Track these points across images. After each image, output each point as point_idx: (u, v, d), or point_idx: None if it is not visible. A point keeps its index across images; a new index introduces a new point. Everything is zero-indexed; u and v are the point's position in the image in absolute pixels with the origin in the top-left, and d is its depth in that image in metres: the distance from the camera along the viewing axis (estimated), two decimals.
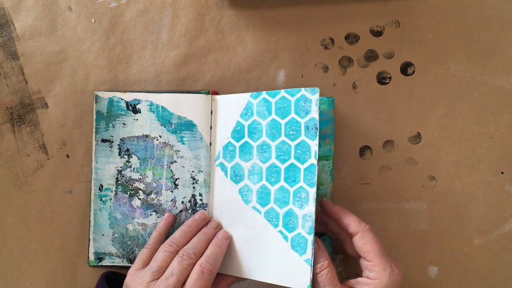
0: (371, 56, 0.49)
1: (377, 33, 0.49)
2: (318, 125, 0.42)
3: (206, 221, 0.46)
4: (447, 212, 0.49)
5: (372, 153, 0.49)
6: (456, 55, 0.49)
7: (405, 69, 0.49)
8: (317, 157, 0.43)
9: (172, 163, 0.47)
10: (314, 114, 0.42)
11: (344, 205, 0.48)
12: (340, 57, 0.49)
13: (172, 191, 0.47)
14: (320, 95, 0.47)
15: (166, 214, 0.47)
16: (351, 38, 0.49)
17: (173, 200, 0.47)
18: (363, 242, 0.40)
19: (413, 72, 0.49)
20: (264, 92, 0.45)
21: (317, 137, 0.42)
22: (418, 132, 0.49)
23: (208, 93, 0.48)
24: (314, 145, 0.42)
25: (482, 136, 0.49)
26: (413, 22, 0.49)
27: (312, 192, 0.42)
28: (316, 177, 0.42)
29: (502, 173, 0.48)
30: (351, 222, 0.42)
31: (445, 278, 0.49)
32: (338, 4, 0.49)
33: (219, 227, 0.46)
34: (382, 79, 0.49)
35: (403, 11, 0.49)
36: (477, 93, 0.49)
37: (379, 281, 0.39)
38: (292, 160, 0.43)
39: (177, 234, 0.44)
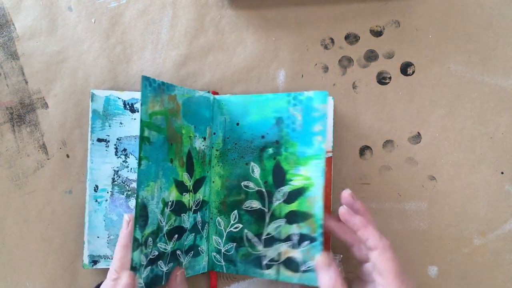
0: (371, 56, 0.49)
1: (377, 33, 0.49)
2: None
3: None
4: (447, 212, 0.49)
5: (372, 153, 0.49)
6: (456, 55, 0.49)
7: (405, 69, 0.49)
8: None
9: None
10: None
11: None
12: (340, 57, 0.49)
13: None
14: None
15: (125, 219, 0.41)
16: (351, 38, 0.49)
17: None
18: (381, 260, 0.38)
19: (413, 72, 0.49)
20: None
21: None
22: (418, 132, 0.49)
23: (208, 93, 0.47)
24: None
25: (482, 136, 0.49)
26: (413, 22, 0.49)
27: None
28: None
29: (502, 173, 0.48)
30: (370, 237, 0.39)
31: (445, 278, 0.49)
32: (338, 4, 0.49)
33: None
34: (382, 79, 0.49)
35: (403, 11, 0.49)
36: (477, 93, 0.49)
37: None
38: None
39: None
